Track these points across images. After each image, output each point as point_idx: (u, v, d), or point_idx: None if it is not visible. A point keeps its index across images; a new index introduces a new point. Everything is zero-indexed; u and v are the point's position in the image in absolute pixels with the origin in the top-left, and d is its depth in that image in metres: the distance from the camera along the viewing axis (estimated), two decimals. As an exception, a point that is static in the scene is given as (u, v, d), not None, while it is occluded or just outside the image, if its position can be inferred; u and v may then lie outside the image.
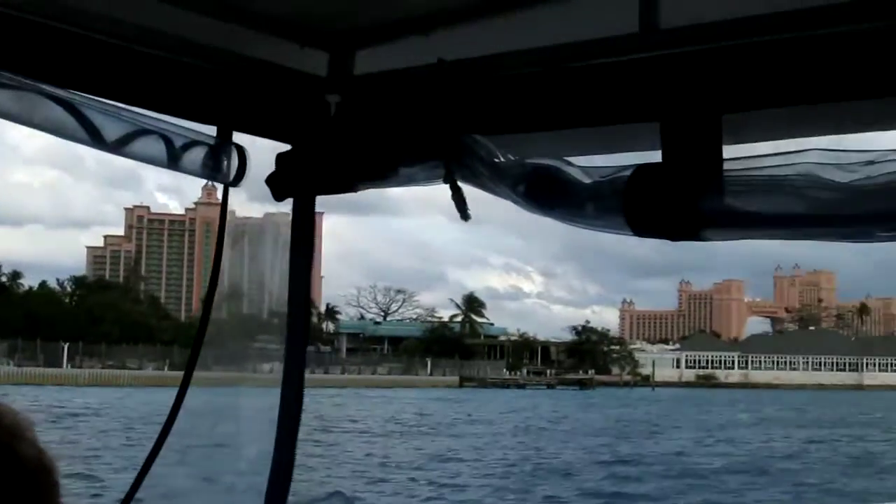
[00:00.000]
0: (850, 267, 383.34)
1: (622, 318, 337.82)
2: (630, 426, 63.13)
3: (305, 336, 3.54)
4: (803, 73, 2.46)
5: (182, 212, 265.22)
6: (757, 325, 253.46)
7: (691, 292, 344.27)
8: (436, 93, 2.95)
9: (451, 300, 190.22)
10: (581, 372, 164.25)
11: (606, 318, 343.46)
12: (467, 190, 2.89)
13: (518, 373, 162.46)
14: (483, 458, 42.03)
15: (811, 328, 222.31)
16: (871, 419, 79.95)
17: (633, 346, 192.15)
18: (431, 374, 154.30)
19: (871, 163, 2.20)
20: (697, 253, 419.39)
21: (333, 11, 3.10)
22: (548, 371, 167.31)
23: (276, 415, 3.47)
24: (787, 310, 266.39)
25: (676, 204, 2.45)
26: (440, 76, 2.93)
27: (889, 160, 2.18)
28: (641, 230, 2.54)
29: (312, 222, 3.54)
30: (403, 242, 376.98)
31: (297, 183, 3.37)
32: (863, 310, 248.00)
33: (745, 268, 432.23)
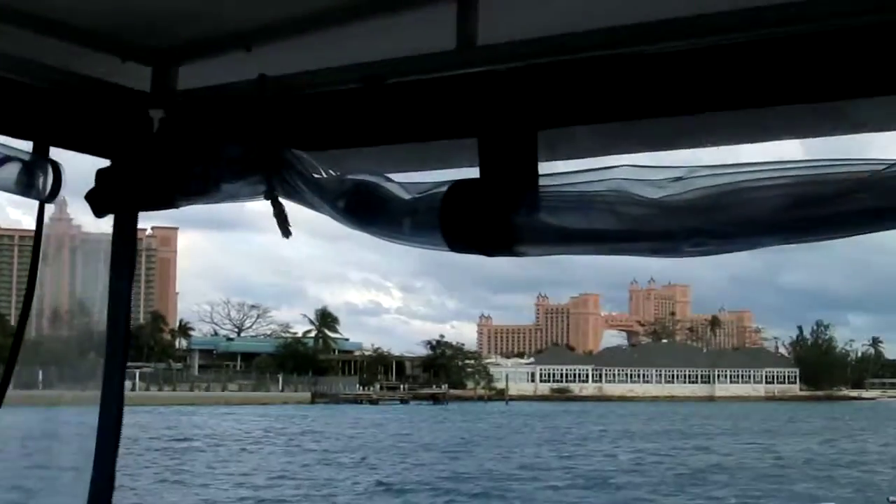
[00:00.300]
0: (706, 281, 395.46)
1: (480, 333, 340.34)
2: (475, 441, 63.73)
3: (125, 353, 3.51)
4: (617, 91, 2.49)
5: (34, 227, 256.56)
6: (614, 338, 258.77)
7: (548, 306, 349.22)
8: (257, 108, 2.94)
9: (305, 315, 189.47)
10: (435, 387, 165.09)
11: (465, 332, 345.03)
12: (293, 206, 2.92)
13: (371, 388, 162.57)
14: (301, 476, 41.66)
15: (664, 341, 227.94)
16: (721, 429, 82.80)
17: (488, 361, 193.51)
18: (283, 391, 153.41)
19: (679, 179, 2.26)
20: (556, 268, 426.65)
21: (156, 26, 3.06)
22: (401, 386, 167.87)
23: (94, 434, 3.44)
24: (640, 323, 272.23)
25: (491, 219, 2.47)
26: (262, 92, 2.93)
27: (695, 176, 2.23)
28: (457, 245, 2.57)
29: (134, 238, 3.52)
30: (263, 258, 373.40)
31: (118, 198, 3.34)
32: (714, 322, 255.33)
33: (603, 282, 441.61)
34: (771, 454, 53.04)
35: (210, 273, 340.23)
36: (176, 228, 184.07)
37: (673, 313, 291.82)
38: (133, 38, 3.11)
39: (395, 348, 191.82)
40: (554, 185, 2.43)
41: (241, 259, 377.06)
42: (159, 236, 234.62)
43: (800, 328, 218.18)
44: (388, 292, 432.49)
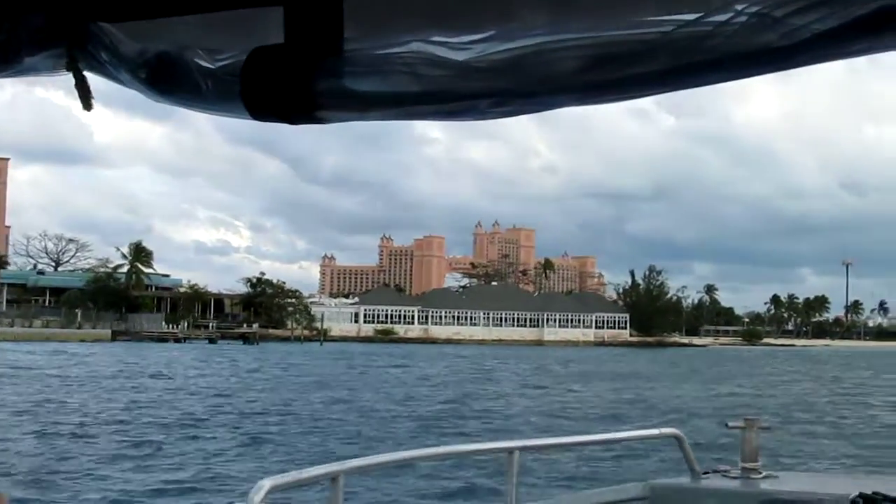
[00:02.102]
0: (554, 226, 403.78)
1: (323, 274, 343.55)
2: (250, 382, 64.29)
3: None
4: None
5: None
6: (457, 281, 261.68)
7: (392, 248, 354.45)
8: None
9: (118, 249, 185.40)
10: (251, 326, 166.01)
11: (314, 273, 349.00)
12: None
13: (178, 326, 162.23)
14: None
15: (494, 283, 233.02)
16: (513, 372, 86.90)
17: (311, 300, 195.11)
18: (80, 328, 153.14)
19: (483, 41, 2.31)
20: (407, 210, 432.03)
21: None
22: (210, 324, 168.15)
23: None
24: (472, 265, 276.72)
25: (293, 85, 2.55)
26: None
27: (499, 38, 2.30)
28: (258, 112, 2.66)
29: None
30: (109, 194, 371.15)
31: None
32: (547, 266, 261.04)
33: (452, 225, 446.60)
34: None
35: (53, 208, 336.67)
36: (7, 159, 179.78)
37: (506, 255, 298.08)
38: None
39: (208, 285, 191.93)
40: (357, 50, 2.52)
41: (86, 194, 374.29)
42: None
43: (631, 273, 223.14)
44: (237, 231, 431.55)
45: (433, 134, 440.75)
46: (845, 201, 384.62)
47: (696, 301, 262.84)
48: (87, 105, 2.82)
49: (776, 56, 1.99)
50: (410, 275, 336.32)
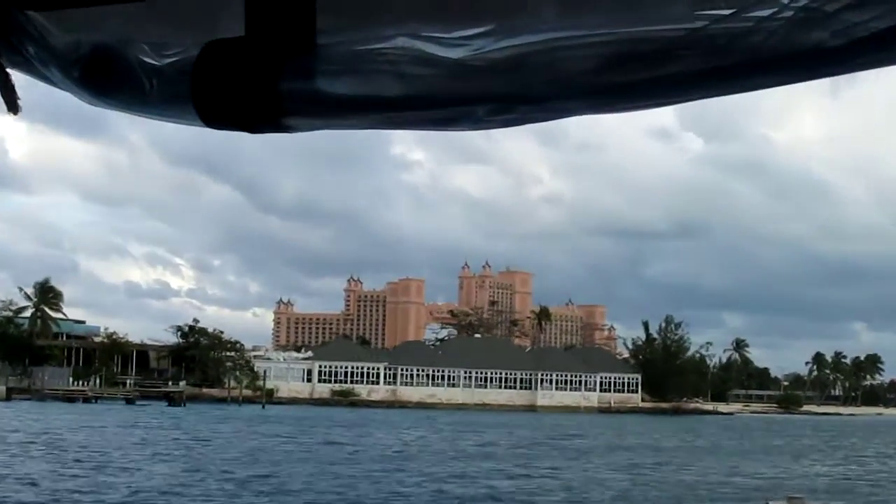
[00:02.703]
0: (557, 269, 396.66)
1: (277, 322, 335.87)
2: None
3: None
4: None
5: None
6: (435, 333, 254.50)
7: (361, 292, 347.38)
8: None
9: (20, 289, 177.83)
10: (177, 384, 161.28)
11: (269, 322, 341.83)
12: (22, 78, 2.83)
13: (87, 383, 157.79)
14: None
15: (477, 336, 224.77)
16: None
17: (255, 354, 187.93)
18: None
19: (481, 35, 2.25)
20: (382, 247, 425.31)
21: None
22: (128, 381, 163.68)
23: None
24: (452, 313, 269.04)
25: (254, 87, 2.45)
26: None
27: (499, 33, 2.23)
28: (212, 119, 2.54)
29: None
30: (24, 223, 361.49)
31: None
32: (543, 315, 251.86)
33: (434, 266, 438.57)
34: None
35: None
36: None
37: (494, 302, 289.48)
38: None
39: (128, 334, 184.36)
40: (332, 45, 2.42)
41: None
42: None
43: (645, 324, 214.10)
44: (178, 271, 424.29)
45: (414, 155, 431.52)
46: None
47: (723, 360, 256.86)
48: (12, 107, 2.81)
49: (827, 58, 1.93)
50: (383, 325, 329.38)
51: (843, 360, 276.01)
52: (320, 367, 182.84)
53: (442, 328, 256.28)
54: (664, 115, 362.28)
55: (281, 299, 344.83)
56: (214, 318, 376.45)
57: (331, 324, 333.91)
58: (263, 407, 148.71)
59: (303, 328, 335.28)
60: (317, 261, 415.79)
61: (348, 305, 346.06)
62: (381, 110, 2.38)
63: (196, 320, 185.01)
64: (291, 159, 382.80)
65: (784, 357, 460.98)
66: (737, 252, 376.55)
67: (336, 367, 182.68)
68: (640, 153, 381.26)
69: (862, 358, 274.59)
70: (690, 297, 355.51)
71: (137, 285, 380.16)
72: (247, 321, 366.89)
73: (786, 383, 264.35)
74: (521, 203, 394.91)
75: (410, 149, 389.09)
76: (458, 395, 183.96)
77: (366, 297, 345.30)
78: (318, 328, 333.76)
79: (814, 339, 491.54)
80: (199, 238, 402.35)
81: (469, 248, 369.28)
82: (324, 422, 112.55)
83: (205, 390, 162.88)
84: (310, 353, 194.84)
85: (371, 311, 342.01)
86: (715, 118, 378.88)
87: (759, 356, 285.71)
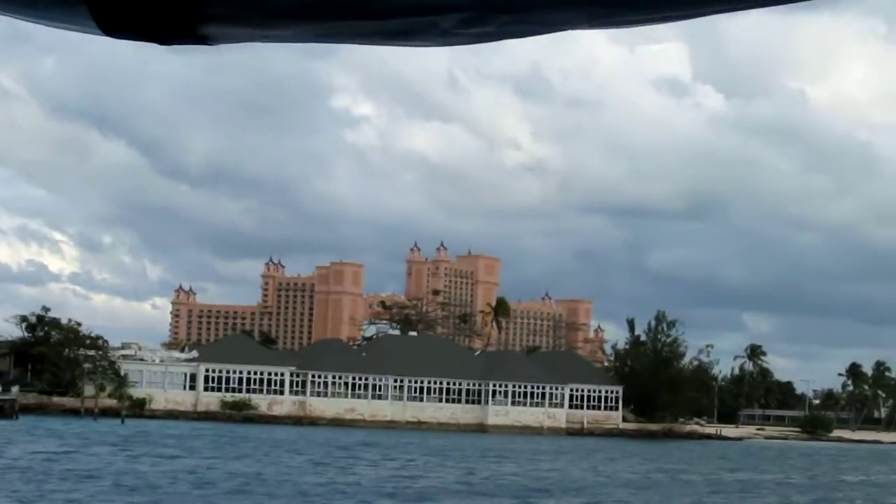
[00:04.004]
0: (538, 254, 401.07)
1: (175, 315, 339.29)
2: None
3: None
4: None
5: None
6: (369, 330, 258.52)
7: (282, 280, 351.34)
8: None
9: None
10: (10, 390, 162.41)
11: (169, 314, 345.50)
12: None
13: None
14: None
15: (413, 334, 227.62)
16: None
17: (123, 353, 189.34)
18: None
19: None
20: (317, 224, 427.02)
21: None
22: None
23: None
24: (383, 304, 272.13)
25: None
26: None
27: None
28: (111, 26, 2.52)
29: None
30: None
31: None
32: (500, 309, 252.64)
33: (381, 248, 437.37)
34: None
35: None
36: None
37: (438, 292, 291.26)
38: None
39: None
40: None
41: None
42: None
43: (630, 323, 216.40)
44: (59, 249, 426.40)
45: (361, 109, 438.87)
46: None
47: (735, 370, 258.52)
48: None
49: None
50: (309, 320, 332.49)
51: (886, 372, 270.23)
52: (207, 370, 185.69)
53: (370, 324, 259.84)
54: (675, 62, 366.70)
55: (181, 286, 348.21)
56: (103, 309, 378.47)
57: (244, 318, 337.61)
58: (122, 422, 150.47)
59: (207, 323, 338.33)
60: (234, 240, 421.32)
61: (266, 296, 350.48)
62: (321, 19, 2.37)
63: (46, 308, 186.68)
64: (205, 110, 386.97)
65: (816, 369, 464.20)
66: (761, 237, 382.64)
67: (228, 372, 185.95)
68: (644, 111, 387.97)
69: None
70: (703, 292, 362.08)
71: (5, 267, 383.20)
72: (145, 314, 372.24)
73: (815, 401, 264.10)
74: (492, 171, 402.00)
75: (356, 100, 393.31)
76: (385, 409, 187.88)
77: (287, 285, 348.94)
78: (226, 323, 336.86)
79: (856, 346, 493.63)
80: (85, 209, 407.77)
81: (425, 226, 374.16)
82: (192, 442, 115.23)
83: (55, 399, 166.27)
84: (194, 353, 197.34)
85: (295, 303, 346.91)
86: (738, 68, 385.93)
87: (783, 367, 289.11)
